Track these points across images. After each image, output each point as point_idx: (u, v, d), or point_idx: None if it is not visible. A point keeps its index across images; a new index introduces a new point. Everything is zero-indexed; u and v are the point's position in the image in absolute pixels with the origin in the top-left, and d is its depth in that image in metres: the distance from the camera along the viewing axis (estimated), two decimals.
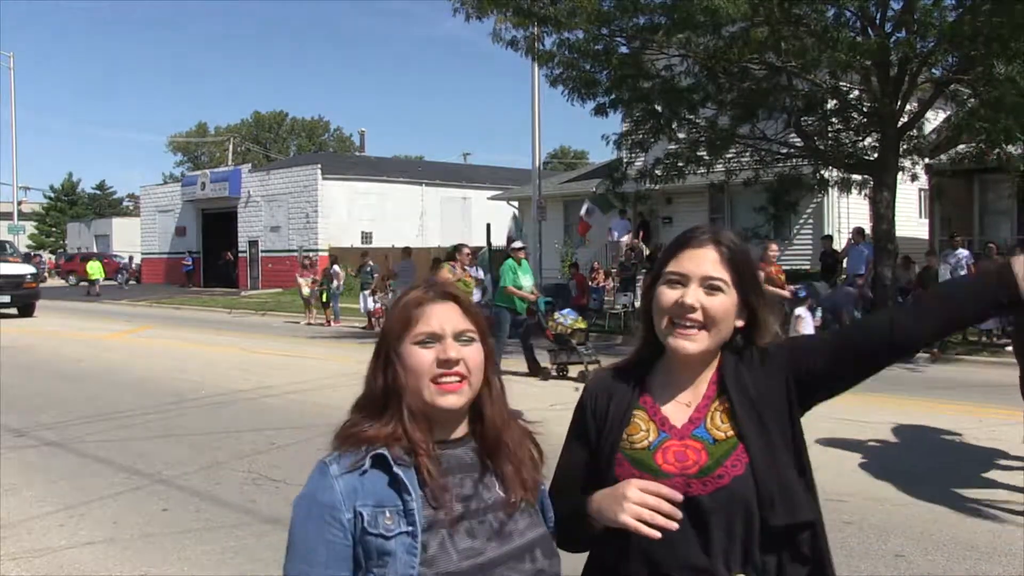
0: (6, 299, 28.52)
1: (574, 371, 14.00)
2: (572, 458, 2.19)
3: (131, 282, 49.16)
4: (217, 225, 49.56)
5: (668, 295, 2.05)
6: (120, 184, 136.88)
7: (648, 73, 19.80)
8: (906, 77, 17.92)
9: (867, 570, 5.66)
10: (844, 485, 7.57)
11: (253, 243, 46.36)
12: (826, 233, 24.71)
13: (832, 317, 17.08)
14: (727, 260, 2.05)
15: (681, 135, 21.56)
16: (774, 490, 1.94)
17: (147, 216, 55.72)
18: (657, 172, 21.74)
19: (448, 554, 1.82)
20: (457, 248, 17.34)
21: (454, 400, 1.90)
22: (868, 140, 20.37)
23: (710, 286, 2.03)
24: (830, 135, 20.84)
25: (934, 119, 23.28)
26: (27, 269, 30.35)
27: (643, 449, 2.05)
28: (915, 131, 19.91)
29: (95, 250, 62.50)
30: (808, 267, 25.42)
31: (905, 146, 19.78)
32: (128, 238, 61.75)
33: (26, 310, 29.48)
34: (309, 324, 26.82)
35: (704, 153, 21.44)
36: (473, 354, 1.93)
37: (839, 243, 23.34)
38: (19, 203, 59.39)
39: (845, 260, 21.49)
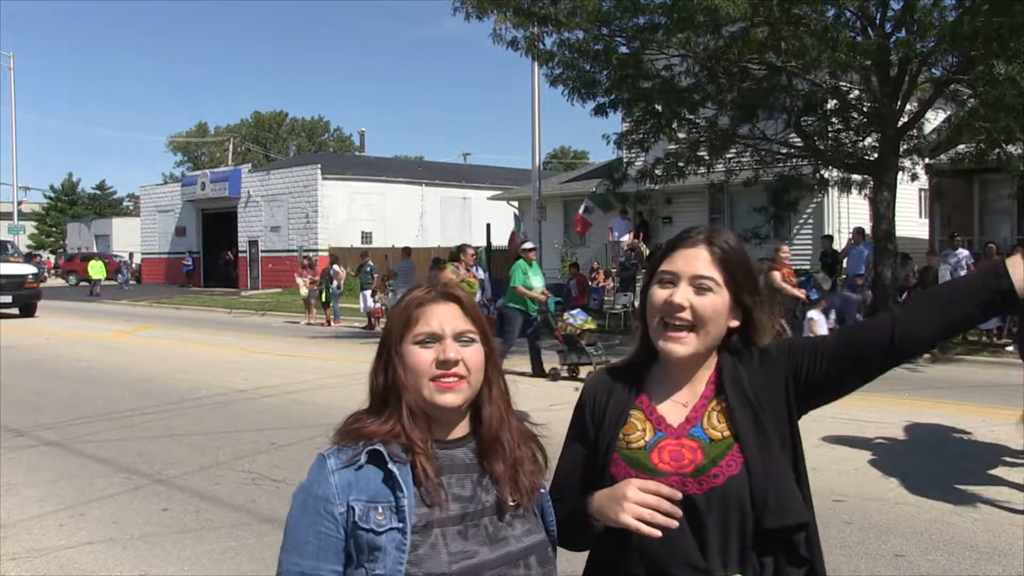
0: (7, 299, 28.47)
1: (584, 372, 13.95)
2: (571, 458, 2.19)
3: (131, 282, 49.07)
4: (217, 225, 49.56)
5: (659, 294, 2.06)
6: (120, 184, 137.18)
7: (648, 73, 19.79)
8: (906, 77, 17.92)
9: (867, 570, 5.66)
10: (844, 485, 7.58)
11: (253, 243, 46.35)
12: (826, 233, 24.70)
13: (838, 321, 17.07)
14: (719, 260, 2.05)
15: (681, 135, 21.56)
16: (768, 491, 1.94)
17: (147, 216, 55.70)
18: (657, 172, 21.74)
19: (439, 555, 1.82)
20: (461, 248, 17.33)
21: (452, 398, 1.91)
22: (868, 140, 20.37)
23: (699, 285, 2.03)
24: (830, 135, 20.83)
25: (934, 119, 23.28)
26: (28, 269, 30.32)
27: (639, 449, 2.05)
28: (915, 131, 19.90)
29: (95, 250, 62.43)
30: (808, 267, 25.39)
31: (905, 146, 19.78)
32: (128, 238, 61.72)
33: (28, 310, 29.46)
34: (309, 324, 26.82)
35: (704, 153, 21.44)
36: (473, 355, 1.94)
37: (839, 243, 23.34)
38: (19, 203, 59.38)
39: (845, 260, 21.49)
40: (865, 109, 19.47)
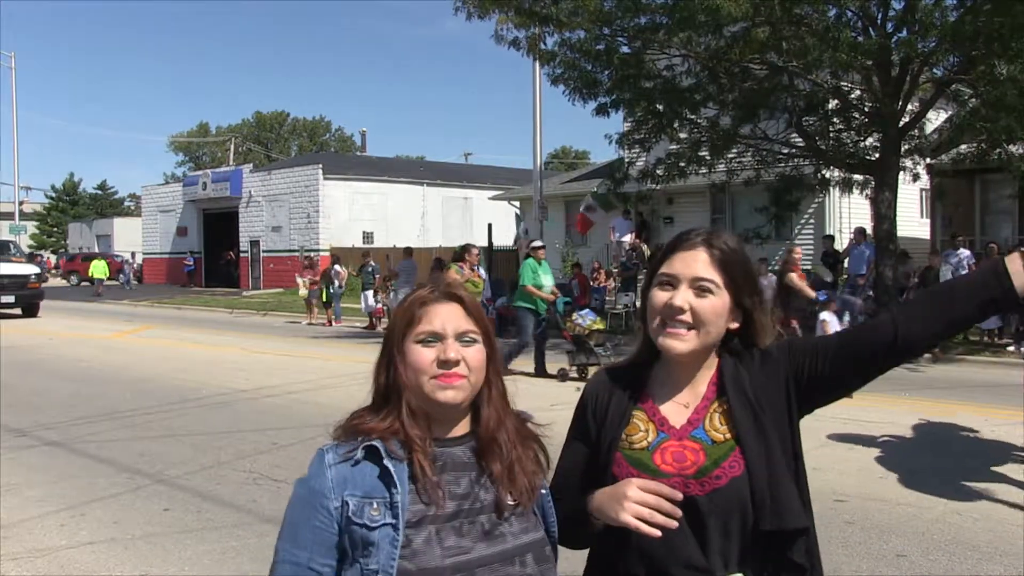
0: (10, 299, 28.48)
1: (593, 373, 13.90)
2: (573, 457, 2.20)
3: (133, 282, 49.07)
4: (218, 225, 49.58)
5: (659, 296, 2.06)
6: (121, 184, 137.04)
7: (649, 73, 19.78)
8: (907, 77, 17.91)
9: (868, 570, 5.66)
10: (846, 485, 7.58)
11: (254, 243, 46.36)
12: (827, 233, 24.69)
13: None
14: (718, 262, 2.06)
15: (682, 135, 21.56)
16: (767, 494, 1.95)
17: (148, 216, 55.72)
18: (659, 172, 21.74)
19: (432, 550, 1.83)
20: (465, 248, 17.29)
21: (452, 395, 1.93)
22: (869, 140, 20.35)
23: (700, 287, 2.03)
24: (831, 135, 20.82)
25: (935, 119, 23.27)
26: (31, 269, 30.27)
27: (642, 449, 2.06)
28: (916, 131, 19.89)
29: (96, 250, 62.44)
30: (810, 267, 25.40)
31: (906, 146, 19.77)
32: (129, 238, 61.74)
33: (30, 310, 29.41)
34: (310, 324, 26.82)
35: (706, 153, 21.44)
36: (474, 355, 1.96)
37: (841, 243, 23.33)
38: (20, 203, 59.43)
39: (846, 260, 21.48)
40: (866, 109, 19.46)
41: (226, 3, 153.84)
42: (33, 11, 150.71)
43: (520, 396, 2.12)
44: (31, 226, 77.10)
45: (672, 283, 2.05)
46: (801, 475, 2.06)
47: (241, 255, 47.31)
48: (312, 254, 37.45)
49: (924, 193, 27.42)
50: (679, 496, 1.89)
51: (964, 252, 18.96)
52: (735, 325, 2.10)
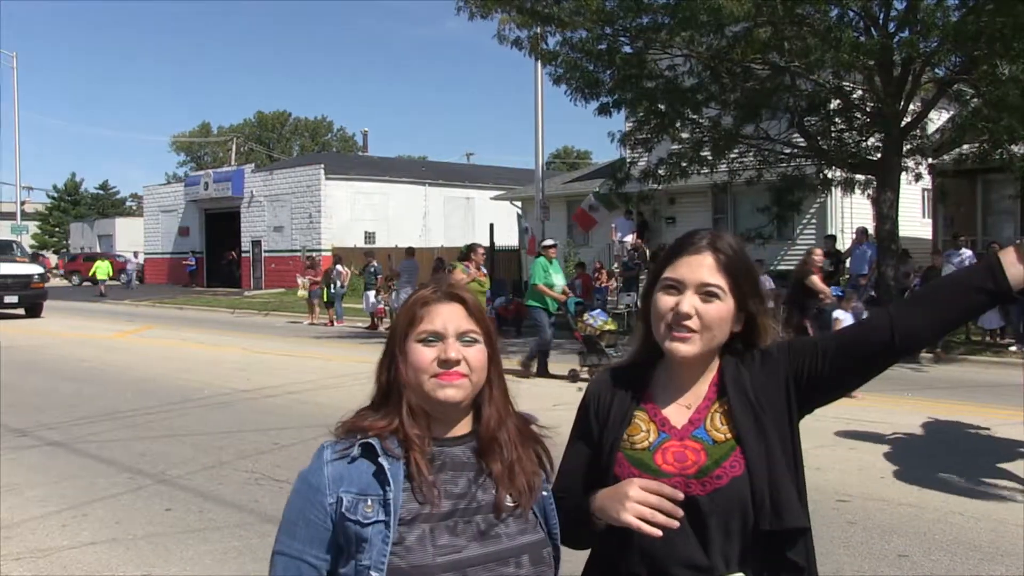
0: (14, 299, 28.43)
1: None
2: (575, 457, 2.20)
3: (135, 282, 49.05)
4: (220, 225, 49.55)
5: (665, 301, 2.06)
6: (123, 184, 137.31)
7: (651, 73, 19.79)
8: (909, 77, 17.91)
9: (870, 570, 5.66)
10: (848, 485, 7.58)
11: (256, 243, 46.36)
12: (829, 233, 24.69)
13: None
14: (724, 266, 2.06)
15: (684, 135, 21.56)
16: (767, 494, 1.95)
17: (150, 216, 55.73)
18: (660, 172, 21.75)
19: (424, 548, 1.85)
20: (471, 248, 17.25)
21: (453, 393, 1.94)
22: (871, 140, 20.36)
23: (706, 293, 2.03)
24: (833, 135, 20.83)
25: (937, 119, 23.27)
26: (35, 269, 30.17)
27: (643, 450, 2.06)
28: (918, 131, 19.90)
29: (98, 250, 62.45)
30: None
31: (908, 146, 19.77)
32: (131, 238, 61.71)
33: (34, 310, 29.33)
34: (312, 324, 26.83)
35: (707, 153, 21.44)
36: (475, 355, 1.97)
37: (843, 243, 23.32)
38: (22, 203, 59.45)
39: (848, 260, 21.48)
40: (868, 109, 19.46)
41: (228, 3, 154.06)
42: (35, 11, 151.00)
43: (522, 396, 2.13)
44: (33, 226, 76.99)
45: (678, 288, 2.05)
46: (801, 475, 2.06)
47: (243, 255, 47.32)
48: (314, 254, 37.50)
49: (926, 193, 27.41)
50: (680, 496, 1.89)
51: (966, 252, 18.95)
52: (738, 328, 2.10)
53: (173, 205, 52.96)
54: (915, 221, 27.27)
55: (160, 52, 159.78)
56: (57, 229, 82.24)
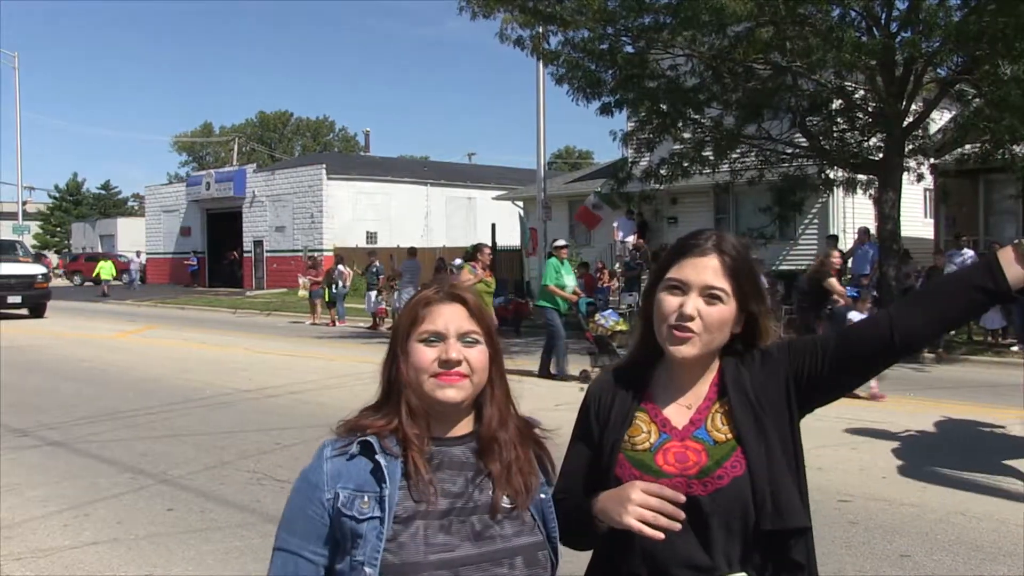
0: (17, 299, 28.34)
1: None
2: (576, 459, 2.21)
3: (137, 283, 49.05)
4: (222, 225, 49.56)
5: (669, 302, 2.06)
6: (125, 184, 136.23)
7: (653, 73, 19.78)
8: (911, 77, 17.90)
9: (872, 570, 5.66)
10: (849, 485, 7.57)
11: (258, 243, 46.40)
12: (831, 233, 24.66)
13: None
14: (728, 269, 2.06)
15: (686, 135, 21.55)
16: (768, 494, 1.96)
17: (152, 216, 55.77)
18: (662, 172, 21.74)
19: (417, 545, 1.87)
20: (477, 248, 17.20)
21: (453, 394, 1.96)
22: (873, 140, 20.35)
23: (710, 295, 2.04)
24: (835, 135, 20.82)
25: (939, 119, 23.24)
26: (38, 269, 30.08)
27: (644, 450, 2.07)
28: (920, 131, 19.89)
29: (100, 250, 62.48)
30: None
31: (910, 146, 19.77)
32: (133, 238, 61.74)
33: (37, 310, 29.20)
34: (314, 324, 26.83)
35: (709, 153, 21.44)
36: (476, 355, 1.98)
37: (844, 243, 23.30)
38: (24, 203, 59.48)
39: (850, 260, 21.45)
40: (870, 109, 19.46)
41: (229, 3, 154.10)
42: (36, 11, 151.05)
43: (524, 396, 2.13)
44: (34, 226, 77.05)
45: (682, 289, 2.05)
46: (802, 475, 2.07)
47: (245, 255, 47.35)
48: (316, 254, 37.51)
49: (928, 193, 27.38)
50: (682, 498, 1.89)
51: (968, 252, 18.94)
52: (738, 329, 2.11)
53: (175, 205, 52.98)
54: (917, 221, 27.25)
55: (162, 52, 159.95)
56: (59, 229, 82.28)
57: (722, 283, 2.04)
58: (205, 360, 17.43)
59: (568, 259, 15.23)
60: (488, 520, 1.93)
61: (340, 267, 27.39)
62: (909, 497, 7.26)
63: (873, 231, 20.67)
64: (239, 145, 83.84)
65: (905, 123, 18.53)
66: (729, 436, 2.02)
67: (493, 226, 31.99)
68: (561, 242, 15.52)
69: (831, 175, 22.24)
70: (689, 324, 2.02)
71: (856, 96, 19.96)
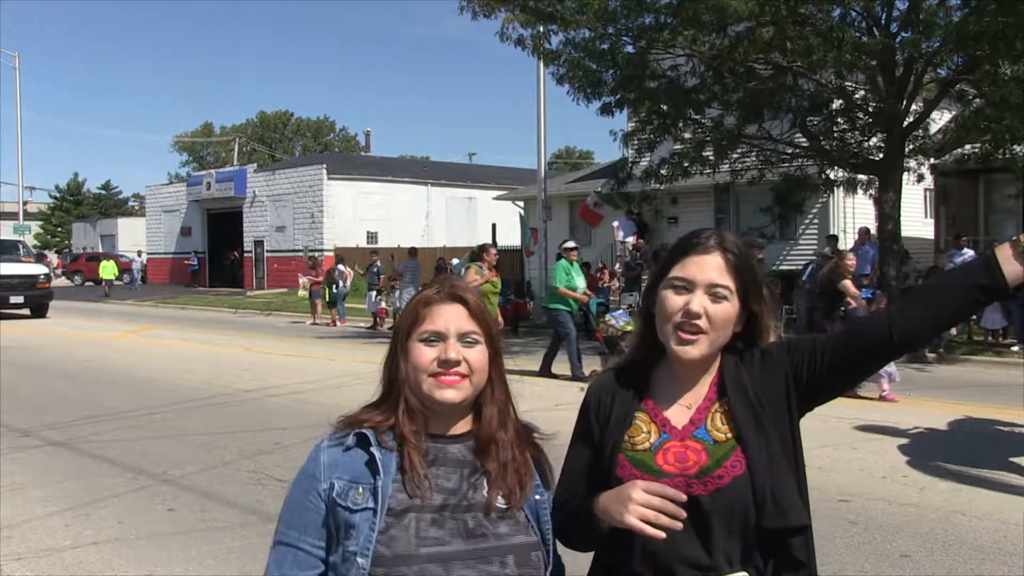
0: (19, 299, 28.28)
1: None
2: (577, 459, 2.21)
3: (138, 283, 49.07)
4: (223, 225, 49.60)
5: (674, 301, 2.06)
6: (125, 184, 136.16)
7: (654, 73, 19.79)
8: (911, 77, 17.90)
9: (872, 570, 5.66)
10: (849, 485, 7.58)
11: (259, 243, 46.43)
12: (831, 233, 24.66)
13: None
14: (732, 267, 2.07)
15: (687, 135, 21.55)
16: (769, 493, 1.96)
17: (152, 216, 55.81)
18: (663, 172, 21.74)
19: (409, 539, 1.89)
20: (483, 248, 17.19)
21: (452, 395, 1.98)
22: (873, 140, 20.35)
23: (715, 294, 2.04)
24: (835, 135, 20.82)
25: (939, 119, 23.24)
26: (40, 269, 30.06)
27: (644, 450, 2.07)
28: (920, 131, 19.89)
29: (100, 250, 62.50)
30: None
31: (910, 146, 19.77)
32: (134, 238, 61.77)
33: (39, 311, 29.13)
34: (314, 324, 26.84)
35: (710, 153, 21.43)
36: (476, 356, 2.00)
37: (845, 243, 23.29)
38: (24, 203, 59.46)
39: None
40: (870, 109, 19.46)
41: (230, 3, 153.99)
42: (36, 11, 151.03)
43: (525, 396, 2.14)
44: (35, 226, 77.04)
45: (687, 287, 2.06)
46: (802, 473, 2.07)
47: (245, 255, 47.37)
48: (316, 254, 37.50)
49: (928, 193, 27.38)
50: (683, 498, 1.90)
51: (968, 252, 18.95)
52: (739, 328, 2.12)
53: (175, 205, 53.02)
54: (917, 221, 27.25)
55: (162, 52, 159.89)
56: (59, 229, 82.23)
57: (727, 280, 2.05)
58: (206, 360, 17.43)
59: (576, 260, 15.20)
60: (481, 518, 1.95)
61: (340, 267, 27.39)
62: (909, 497, 7.27)
63: (873, 231, 20.68)
64: (239, 145, 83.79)
65: (905, 123, 18.53)
66: (729, 436, 2.02)
67: (493, 226, 32.00)
68: (570, 243, 15.47)
69: (831, 175, 22.23)
70: (696, 322, 2.03)
71: (856, 96, 19.96)
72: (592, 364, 14.24)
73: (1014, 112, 15.80)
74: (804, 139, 20.56)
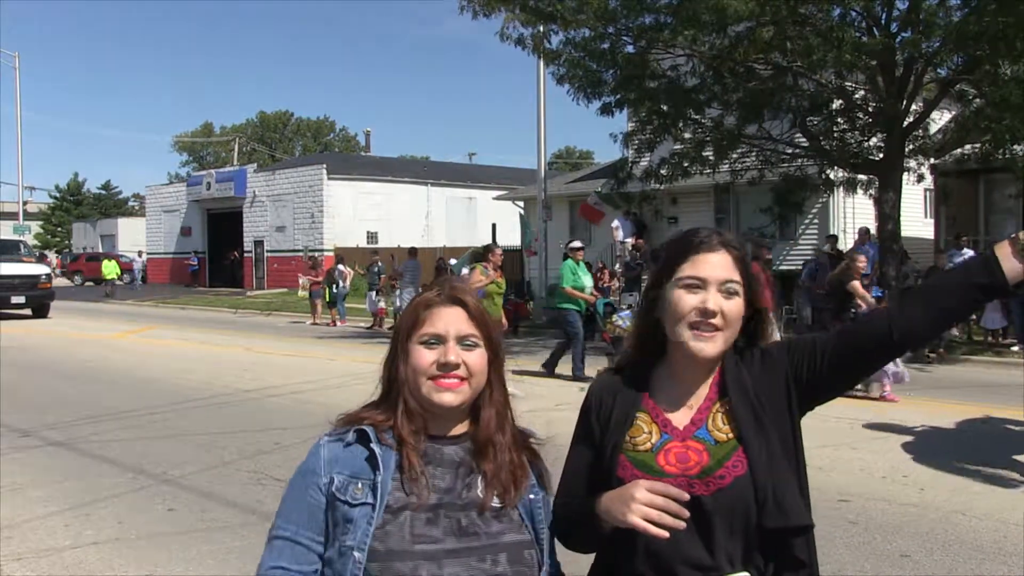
0: (21, 299, 28.25)
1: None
2: (578, 460, 2.21)
3: (139, 282, 49.05)
4: (223, 225, 49.60)
5: (688, 300, 2.06)
6: (125, 184, 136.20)
7: (654, 73, 19.80)
8: (911, 77, 17.91)
9: (872, 570, 5.66)
10: (849, 485, 7.58)
11: (259, 243, 46.43)
12: (831, 233, 24.67)
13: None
14: (737, 263, 2.09)
15: (687, 135, 21.56)
16: (770, 492, 1.96)
17: (152, 216, 55.80)
18: (663, 172, 21.74)
19: (403, 535, 1.90)
20: (488, 248, 17.18)
21: (450, 398, 2.00)
22: (873, 140, 20.36)
23: (728, 290, 2.05)
24: (835, 135, 20.83)
25: (939, 119, 23.25)
26: (42, 269, 30.04)
27: (646, 451, 2.07)
28: (920, 131, 19.90)
29: (100, 250, 62.51)
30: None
31: (910, 146, 19.79)
32: (134, 238, 61.78)
33: (41, 311, 29.10)
34: (314, 324, 26.84)
35: (710, 153, 21.43)
36: (475, 359, 2.01)
37: (844, 243, 23.30)
38: (24, 203, 59.47)
39: None
40: (870, 109, 19.47)
41: (230, 3, 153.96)
42: (36, 11, 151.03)
43: (524, 396, 2.14)
44: (35, 226, 77.01)
45: (701, 286, 2.06)
46: (803, 473, 2.08)
47: (245, 255, 47.37)
48: (316, 254, 37.49)
49: (928, 193, 27.39)
50: (686, 497, 1.90)
51: (968, 252, 18.95)
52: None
53: (175, 205, 53.02)
54: (917, 221, 27.25)
55: (162, 52, 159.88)
56: (59, 229, 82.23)
57: (736, 276, 2.07)
58: (206, 360, 17.43)
59: (582, 260, 15.17)
60: (475, 516, 1.96)
61: (340, 267, 27.39)
62: (909, 497, 7.27)
63: (873, 231, 20.68)
64: (239, 145, 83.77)
65: (905, 123, 18.55)
66: (730, 436, 2.02)
67: (494, 226, 31.99)
68: (576, 243, 15.45)
69: (831, 175, 22.24)
70: (713, 320, 2.04)
71: (856, 96, 19.97)
72: (599, 365, 14.21)
73: (1014, 112, 15.80)
74: (804, 139, 20.57)
